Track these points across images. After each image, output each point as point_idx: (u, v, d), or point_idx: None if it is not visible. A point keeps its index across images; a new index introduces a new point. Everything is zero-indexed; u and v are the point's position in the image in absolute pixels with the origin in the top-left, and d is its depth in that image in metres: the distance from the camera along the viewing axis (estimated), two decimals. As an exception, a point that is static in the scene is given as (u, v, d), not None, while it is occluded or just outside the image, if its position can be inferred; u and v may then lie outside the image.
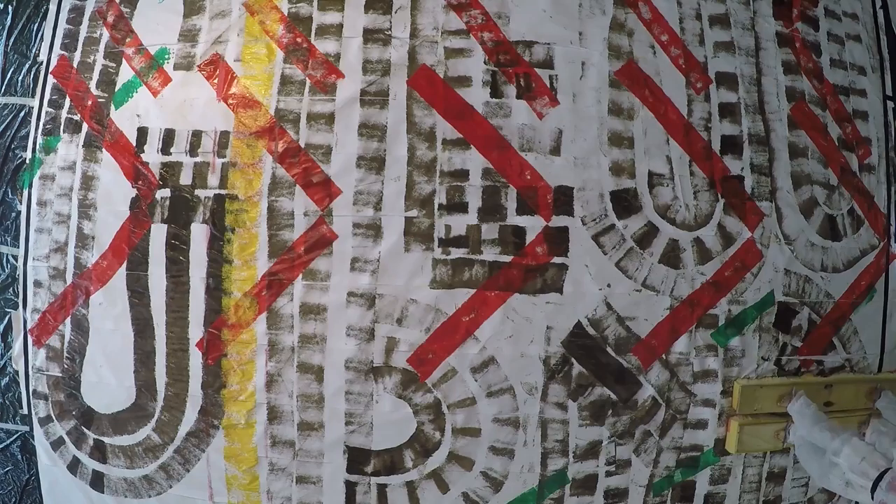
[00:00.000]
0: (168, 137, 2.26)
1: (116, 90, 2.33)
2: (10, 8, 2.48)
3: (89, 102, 2.35)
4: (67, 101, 2.38)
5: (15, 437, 2.44)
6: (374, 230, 2.18)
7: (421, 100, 2.19)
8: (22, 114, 2.43)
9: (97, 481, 2.36)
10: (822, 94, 2.44)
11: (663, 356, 2.26)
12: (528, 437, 2.23)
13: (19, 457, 2.45)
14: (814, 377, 2.38)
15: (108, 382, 2.31)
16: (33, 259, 2.38)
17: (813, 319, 2.38)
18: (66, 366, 2.35)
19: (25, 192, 2.40)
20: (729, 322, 2.29)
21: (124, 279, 2.27)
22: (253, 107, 2.23)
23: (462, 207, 2.17)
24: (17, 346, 2.40)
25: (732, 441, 2.31)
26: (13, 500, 2.47)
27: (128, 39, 2.35)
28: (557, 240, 2.18)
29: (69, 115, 2.37)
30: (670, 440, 2.32)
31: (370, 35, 2.22)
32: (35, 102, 2.42)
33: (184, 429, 2.27)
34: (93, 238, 2.30)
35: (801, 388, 2.31)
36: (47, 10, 2.45)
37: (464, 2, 2.22)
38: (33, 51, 2.45)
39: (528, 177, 2.19)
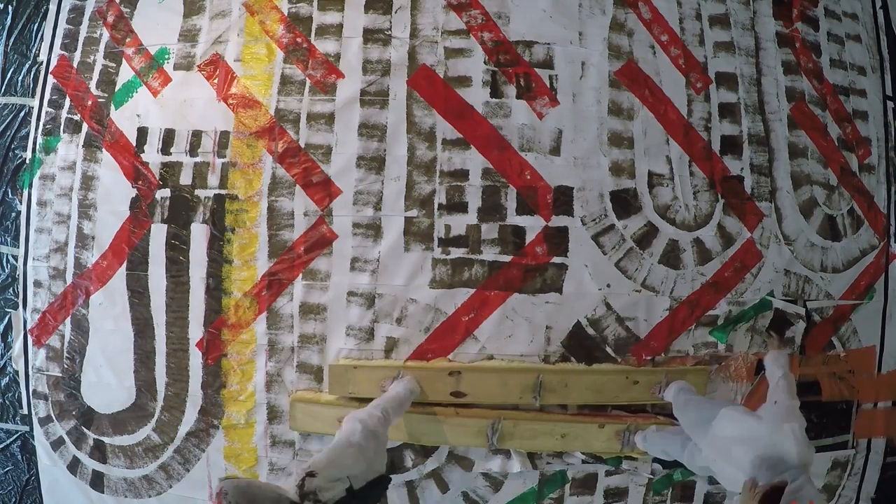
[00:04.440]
0: (168, 137, 2.26)
1: (116, 90, 2.33)
2: (10, 8, 2.48)
3: (89, 102, 2.35)
4: (67, 101, 2.38)
5: (15, 437, 2.44)
6: (373, 230, 2.18)
7: (421, 100, 2.20)
8: (22, 114, 2.43)
9: (97, 481, 2.37)
10: (822, 94, 2.44)
11: (663, 356, 2.26)
12: (527, 436, 2.23)
13: (19, 457, 2.45)
14: (440, 362, 2.14)
15: (108, 382, 2.31)
16: (33, 259, 2.38)
17: (813, 319, 2.38)
18: (66, 366, 2.35)
19: (25, 192, 2.40)
20: (729, 322, 2.29)
21: (124, 279, 2.27)
22: (253, 107, 2.23)
23: (462, 207, 2.18)
24: (17, 346, 2.40)
25: (292, 417, 2.14)
26: (13, 500, 2.47)
27: (128, 39, 2.35)
28: (557, 240, 2.18)
29: (69, 115, 2.37)
30: (670, 440, 2.33)
31: (370, 35, 2.22)
32: (35, 102, 2.42)
33: (184, 429, 2.28)
34: (93, 238, 2.31)
35: (408, 371, 2.07)
36: (47, 10, 2.45)
37: (464, 2, 2.23)
38: (33, 51, 2.45)
39: (528, 177, 2.19)
